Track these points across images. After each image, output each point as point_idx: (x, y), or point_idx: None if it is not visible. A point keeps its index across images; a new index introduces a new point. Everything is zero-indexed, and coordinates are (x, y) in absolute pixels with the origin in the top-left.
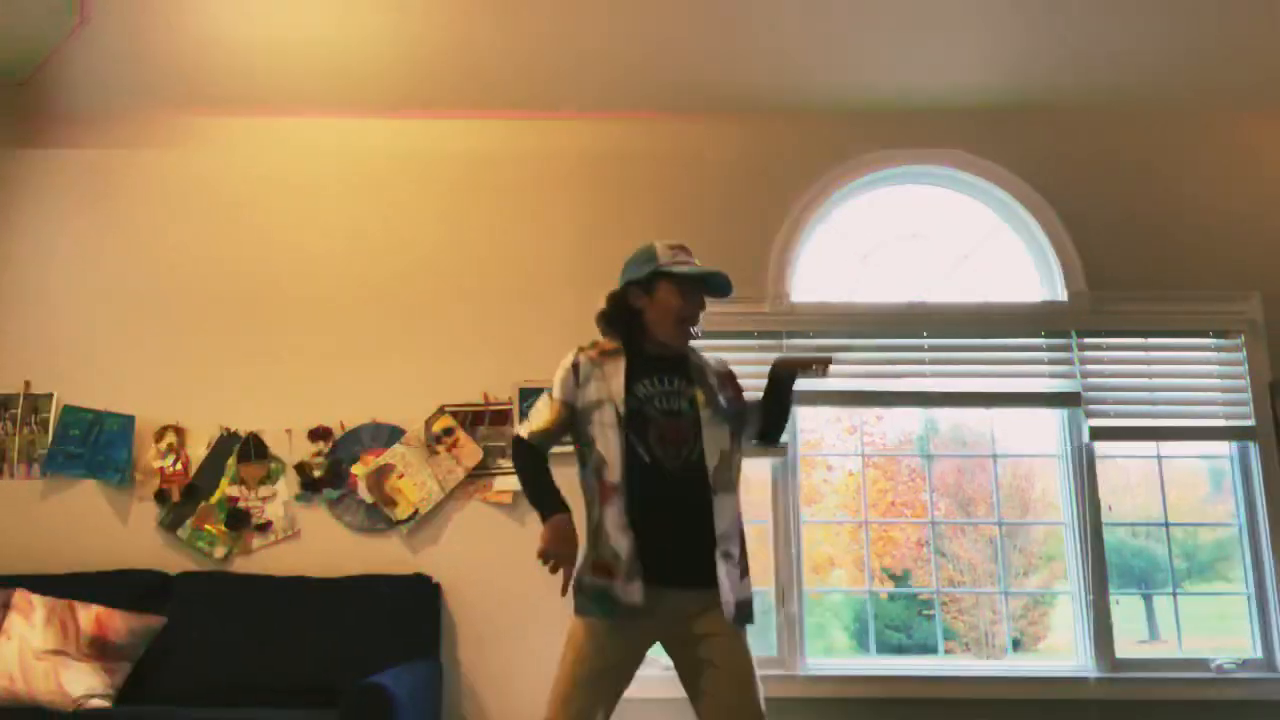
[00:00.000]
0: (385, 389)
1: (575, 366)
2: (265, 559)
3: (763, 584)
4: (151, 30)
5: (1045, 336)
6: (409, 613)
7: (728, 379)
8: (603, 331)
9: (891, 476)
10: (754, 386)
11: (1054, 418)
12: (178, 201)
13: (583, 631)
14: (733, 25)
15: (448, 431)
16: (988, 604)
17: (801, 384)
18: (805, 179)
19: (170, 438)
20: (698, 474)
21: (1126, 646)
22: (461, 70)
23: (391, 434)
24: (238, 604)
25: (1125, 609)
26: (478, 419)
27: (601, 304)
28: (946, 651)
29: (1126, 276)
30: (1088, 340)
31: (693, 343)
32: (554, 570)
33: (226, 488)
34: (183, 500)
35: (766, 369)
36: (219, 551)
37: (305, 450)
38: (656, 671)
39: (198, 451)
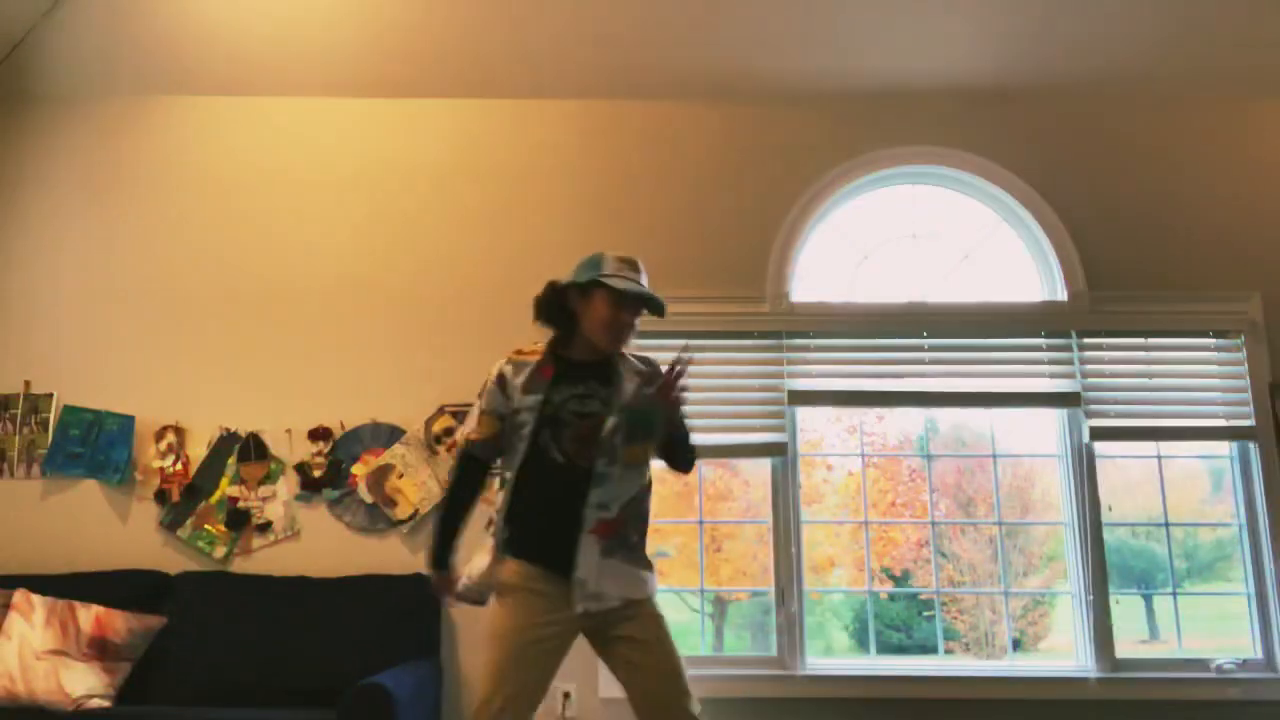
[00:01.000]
0: (385, 389)
1: (500, 377)
2: (265, 559)
3: (763, 584)
4: (133, 11)
5: (1045, 336)
6: (409, 613)
7: (650, 378)
8: (536, 318)
9: (892, 477)
10: (754, 386)
11: (1054, 418)
12: (177, 201)
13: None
14: (728, 10)
15: (448, 431)
16: (988, 604)
17: (802, 384)
18: (805, 175)
19: (170, 438)
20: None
21: (1126, 646)
22: (458, 56)
23: (391, 434)
24: (238, 604)
25: (1125, 609)
26: None
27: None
28: (947, 652)
29: (1126, 276)
30: (1088, 340)
31: (635, 346)
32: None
33: (226, 488)
34: (183, 500)
35: (766, 369)
36: (219, 551)
37: (305, 450)
38: None
39: (198, 451)
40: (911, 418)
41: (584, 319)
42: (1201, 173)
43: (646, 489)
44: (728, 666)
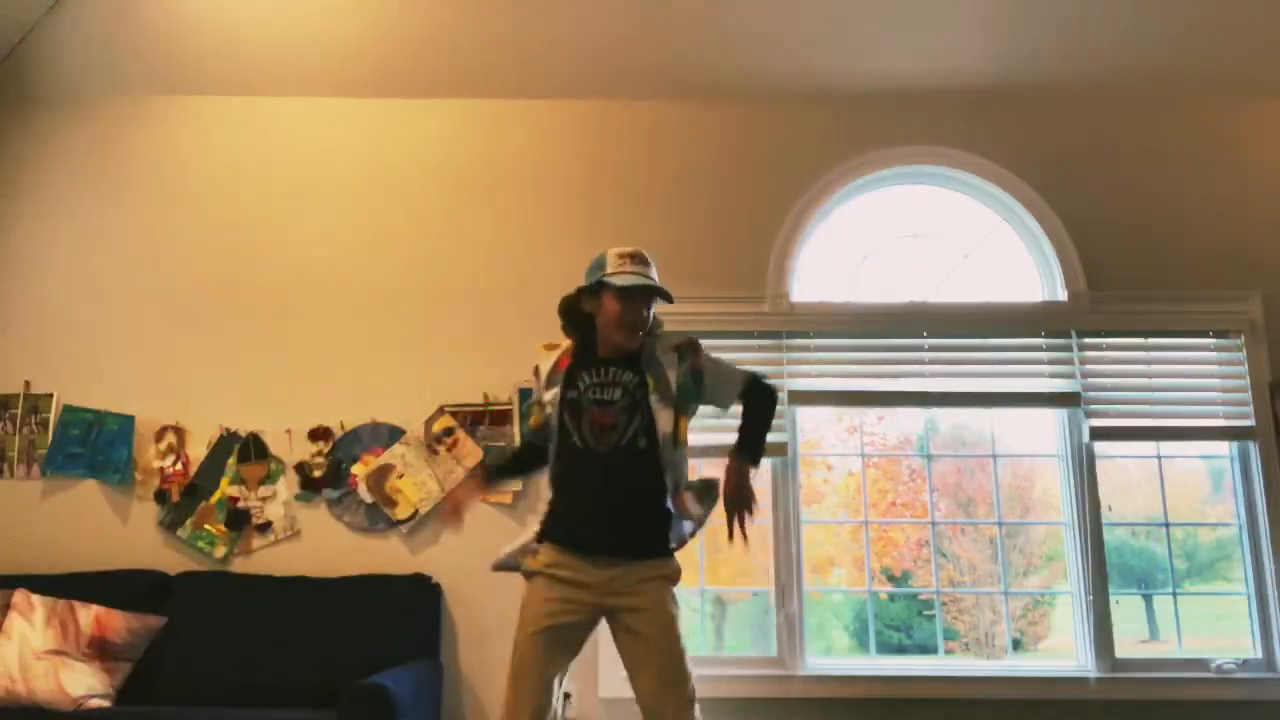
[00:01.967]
0: (385, 389)
1: (536, 370)
2: (265, 559)
3: (763, 584)
4: (133, 11)
5: (1045, 336)
6: (409, 613)
7: (684, 351)
8: (562, 328)
9: (892, 476)
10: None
11: (1054, 418)
12: (177, 201)
13: (524, 597)
14: (728, 10)
15: (448, 431)
16: (988, 604)
17: (803, 384)
18: (805, 175)
19: (170, 438)
20: (629, 456)
21: (1126, 646)
22: (458, 56)
23: (391, 434)
24: (238, 604)
25: (1125, 609)
26: (478, 419)
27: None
28: (947, 651)
29: (1126, 276)
30: (1088, 340)
31: (662, 330)
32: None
33: (226, 488)
34: (183, 500)
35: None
36: (219, 551)
37: (305, 450)
38: None
39: (198, 451)
40: (911, 418)
41: (599, 320)
42: (1201, 173)
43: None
44: (728, 666)
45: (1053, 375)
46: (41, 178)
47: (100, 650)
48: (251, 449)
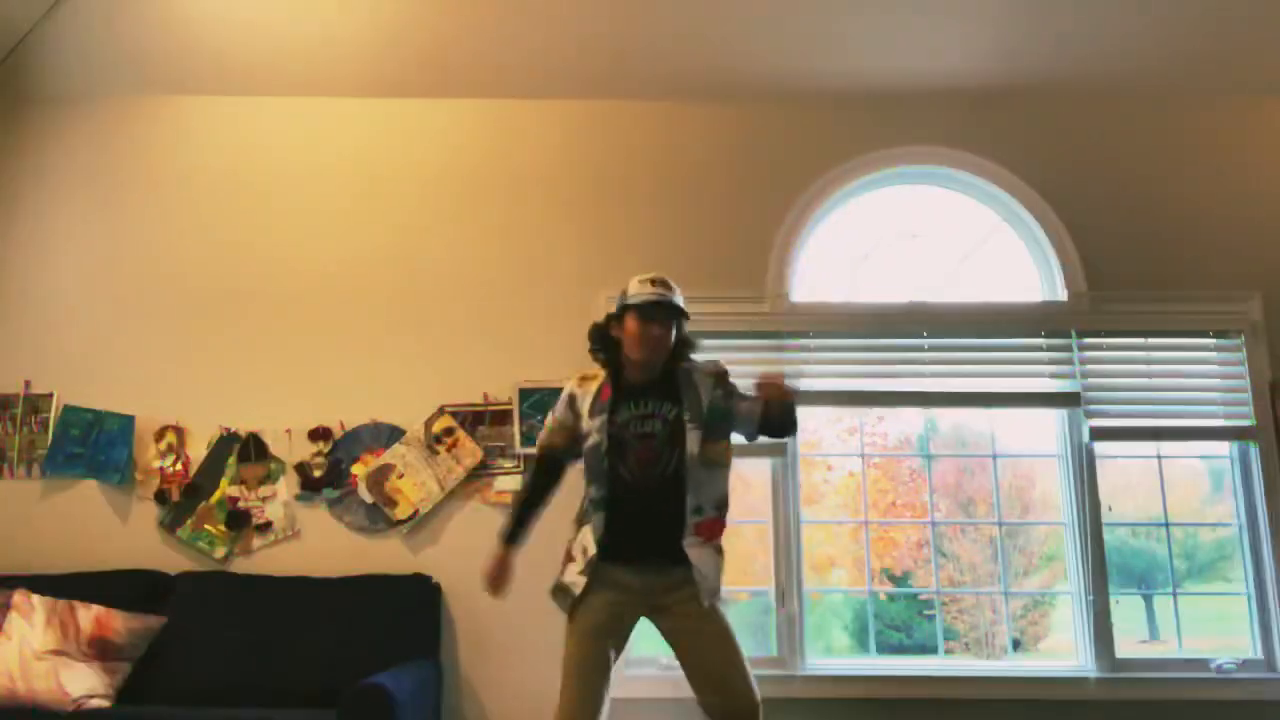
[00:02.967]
0: (385, 389)
1: (571, 397)
2: (265, 559)
3: (763, 584)
4: (133, 11)
5: (1045, 336)
6: (409, 613)
7: (722, 378)
8: (591, 351)
9: (892, 477)
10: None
11: (1054, 418)
12: (177, 201)
13: (569, 626)
14: (728, 10)
15: (448, 431)
16: (988, 604)
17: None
18: (805, 175)
19: (170, 438)
20: (675, 483)
21: (1126, 646)
22: (458, 56)
23: (391, 434)
24: (238, 604)
25: (1125, 609)
26: (478, 419)
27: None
28: (947, 652)
29: (1126, 276)
30: (1088, 340)
31: (694, 355)
32: (490, 591)
33: (226, 488)
34: (183, 500)
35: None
36: (219, 551)
37: (305, 450)
38: (655, 672)
39: (198, 451)
40: (911, 418)
41: (624, 343)
42: (1201, 173)
43: (728, 487)
44: None
45: (1053, 375)
46: (41, 178)
47: (100, 650)
48: (251, 449)
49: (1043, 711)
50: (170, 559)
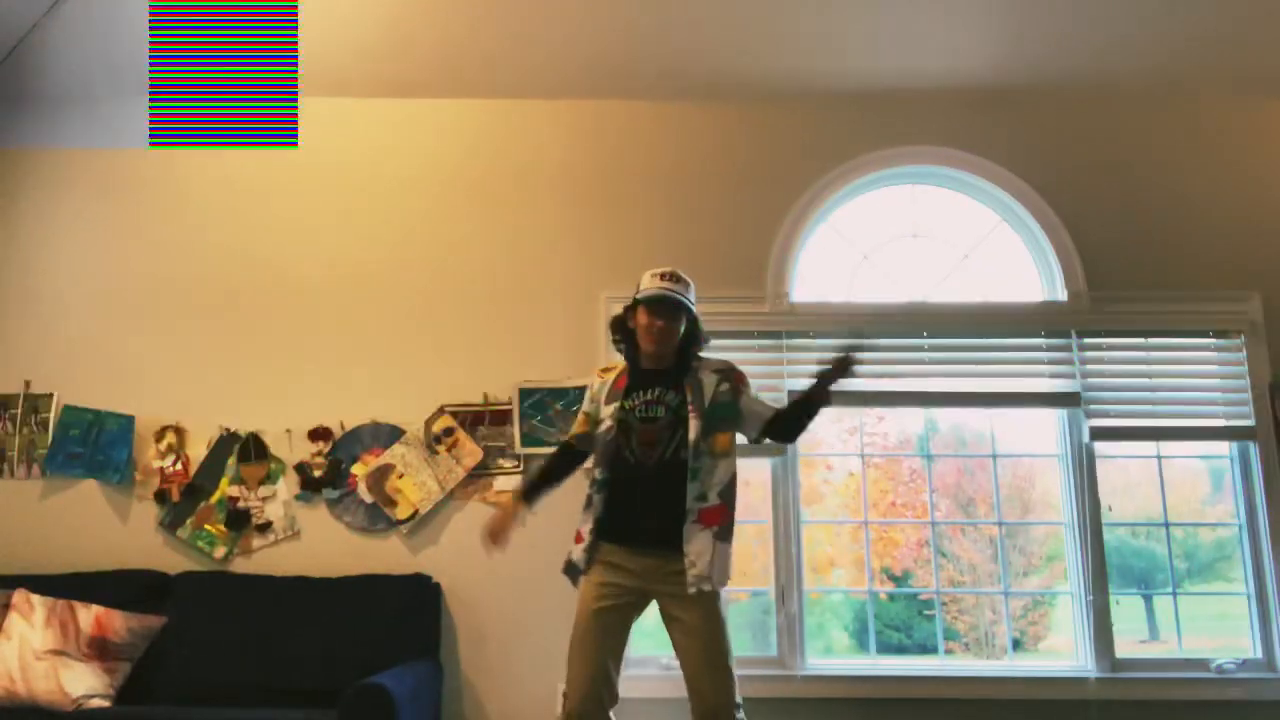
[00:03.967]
0: (385, 389)
1: (591, 386)
2: (265, 559)
3: (762, 584)
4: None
5: (1045, 336)
6: (409, 613)
7: (727, 374)
8: (614, 342)
9: (892, 477)
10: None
11: (1054, 418)
12: (177, 201)
13: (579, 593)
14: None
15: (448, 431)
16: (988, 604)
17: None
18: (805, 175)
19: (170, 438)
20: (673, 467)
21: (1126, 646)
22: (458, 56)
23: (391, 434)
24: (238, 604)
25: (1125, 609)
26: (478, 419)
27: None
28: (947, 652)
29: (1126, 276)
30: (1088, 340)
31: (703, 352)
32: (490, 542)
33: (226, 488)
34: (183, 500)
35: (766, 369)
36: (219, 551)
37: (305, 450)
38: (655, 671)
39: (198, 451)
40: (911, 418)
41: (638, 333)
42: (1201, 173)
43: (734, 476)
44: None
45: (1053, 375)
46: (41, 178)
47: (100, 650)
48: (251, 449)
49: (1043, 711)
50: (170, 559)
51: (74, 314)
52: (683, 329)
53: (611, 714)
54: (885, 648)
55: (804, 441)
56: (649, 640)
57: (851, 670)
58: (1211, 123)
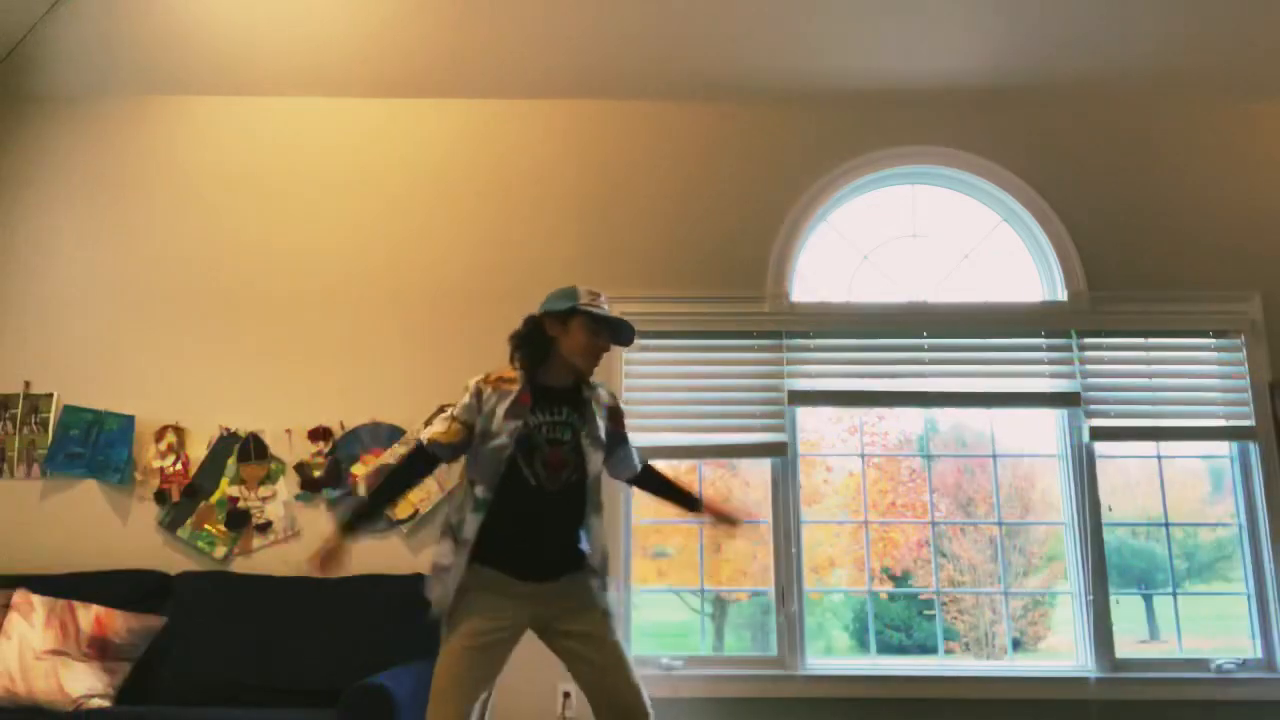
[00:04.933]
0: (385, 389)
1: (478, 393)
2: (265, 559)
3: (762, 584)
4: (133, 11)
5: (1045, 336)
6: (409, 613)
7: (613, 413)
8: (514, 349)
9: (892, 477)
10: (754, 386)
11: (1054, 418)
12: (177, 200)
13: (450, 624)
14: (728, 10)
15: None
16: (988, 604)
17: (802, 384)
18: (805, 175)
19: (170, 438)
20: (575, 493)
21: (1126, 646)
22: (457, 56)
23: (391, 434)
24: (238, 604)
25: (1125, 609)
26: None
27: (519, 325)
28: (947, 652)
29: (1126, 276)
30: (1088, 340)
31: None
32: (319, 573)
33: (226, 488)
34: (183, 500)
35: (766, 369)
36: (219, 551)
37: (305, 450)
38: (655, 671)
39: (198, 451)
40: (911, 418)
41: (563, 344)
42: (1201, 173)
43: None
44: (728, 666)
45: (1053, 375)
46: (41, 177)
47: (100, 650)
48: (251, 449)
49: (1043, 711)
50: (170, 559)
51: (74, 314)
52: None
53: None
54: (885, 648)
55: (804, 441)
56: (649, 640)
57: (851, 670)
58: (1211, 123)
